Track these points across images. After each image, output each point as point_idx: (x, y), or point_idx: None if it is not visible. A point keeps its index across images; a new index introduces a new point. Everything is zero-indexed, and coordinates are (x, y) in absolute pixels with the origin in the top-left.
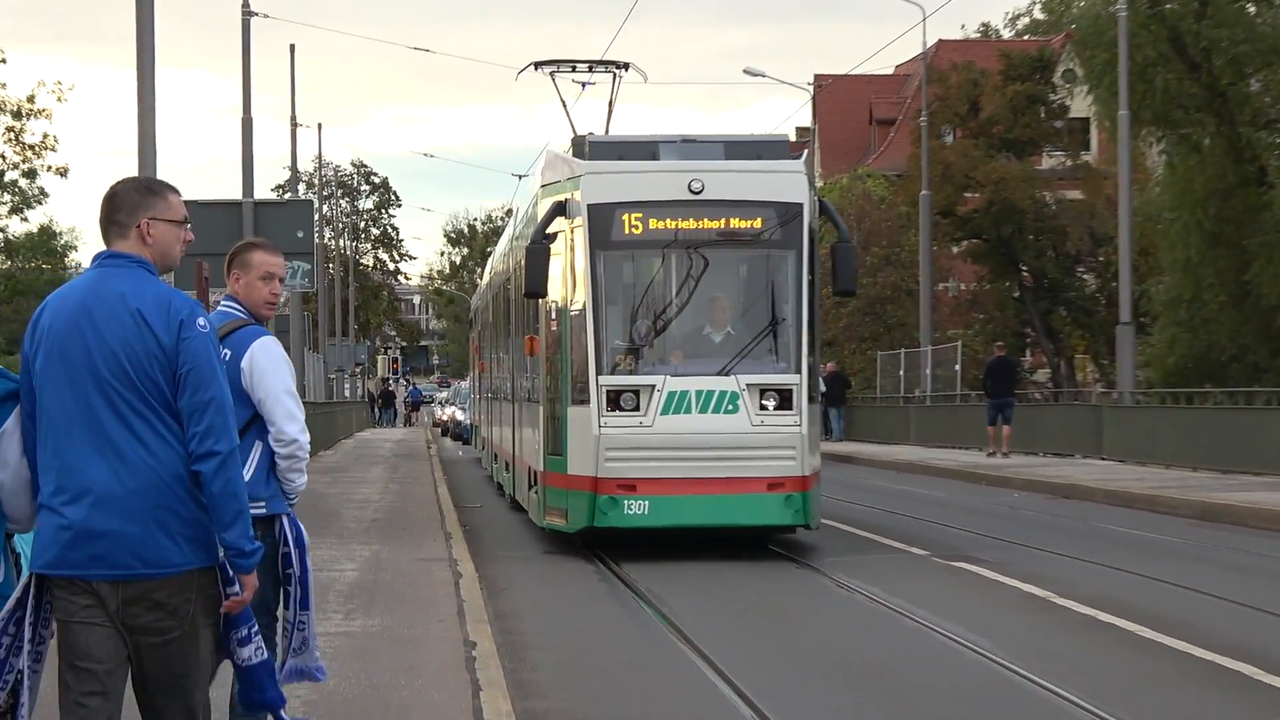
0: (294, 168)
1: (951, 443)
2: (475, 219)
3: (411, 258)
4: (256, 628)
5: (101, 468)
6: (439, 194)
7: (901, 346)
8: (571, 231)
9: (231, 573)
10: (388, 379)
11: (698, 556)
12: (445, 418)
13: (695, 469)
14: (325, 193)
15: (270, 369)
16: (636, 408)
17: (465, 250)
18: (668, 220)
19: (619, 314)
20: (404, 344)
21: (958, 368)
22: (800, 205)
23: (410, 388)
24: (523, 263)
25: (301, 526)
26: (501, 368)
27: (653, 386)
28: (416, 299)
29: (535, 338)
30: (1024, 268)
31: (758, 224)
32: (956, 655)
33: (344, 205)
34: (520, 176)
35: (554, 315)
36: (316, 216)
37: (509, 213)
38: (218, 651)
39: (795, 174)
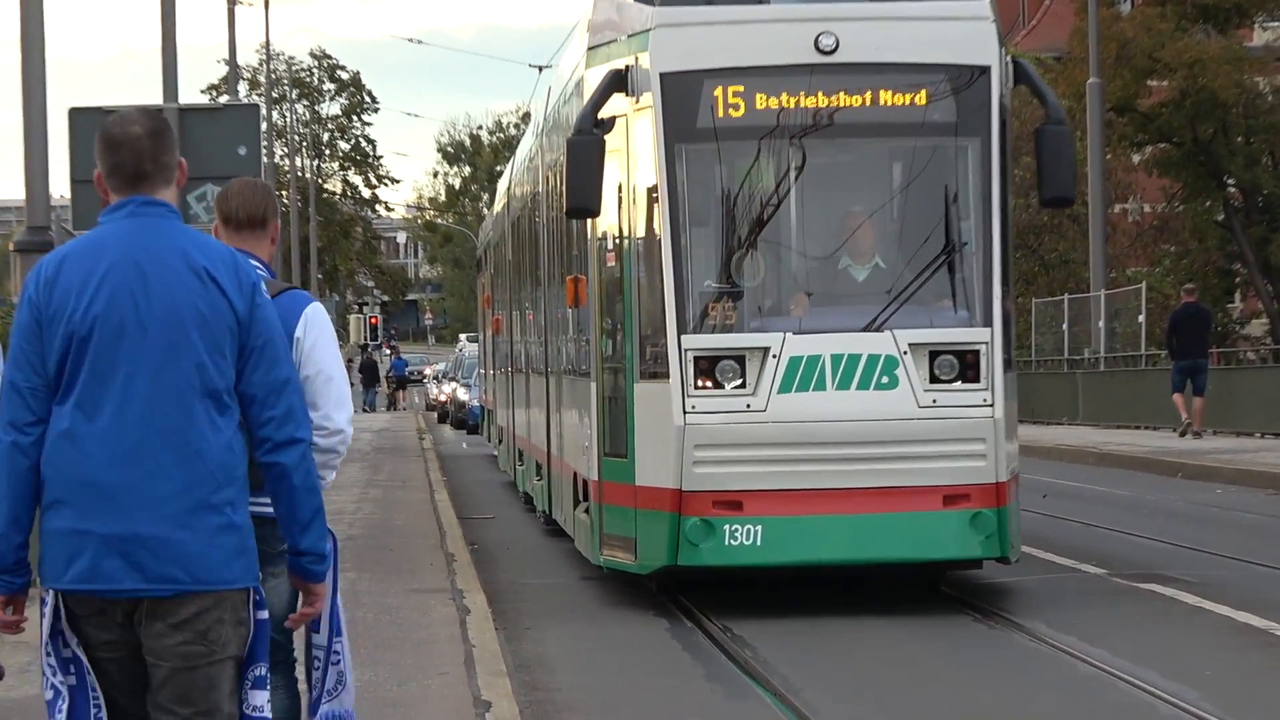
0: (232, 61)
1: (1134, 420)
2: (479, 127)
3: (393, 181)
4: (266, 670)
5: (148, 461)
6: (430, 94)
7: (1064, 291)
8: (636, 116)
9: (258, 598)
10: (367, 346)
11: (801, 587)
12: (443, 398)
13: (832, 475)
14: (275, 94)
15: (327, 342)
16: (741, 383)
17: (467, 170)
18: (784, 95)
19: (711, 240)
20: (385, 298)
21: (1142, 319)
22: (987, 70)
23: (393, 358)
24: (562, 166)
25: (332, 530)
26: (527, 326)
27: (765, 350)
28: (401, 237)
29: (581, 279)
30: (1230, 181)
31: (921, 99)
32: (1150, 712)
33: (301, 111)
34: (541, 68)
35: (610, 245)
36: (264, 126)
37: (526, 118)
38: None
39: (978, 22)
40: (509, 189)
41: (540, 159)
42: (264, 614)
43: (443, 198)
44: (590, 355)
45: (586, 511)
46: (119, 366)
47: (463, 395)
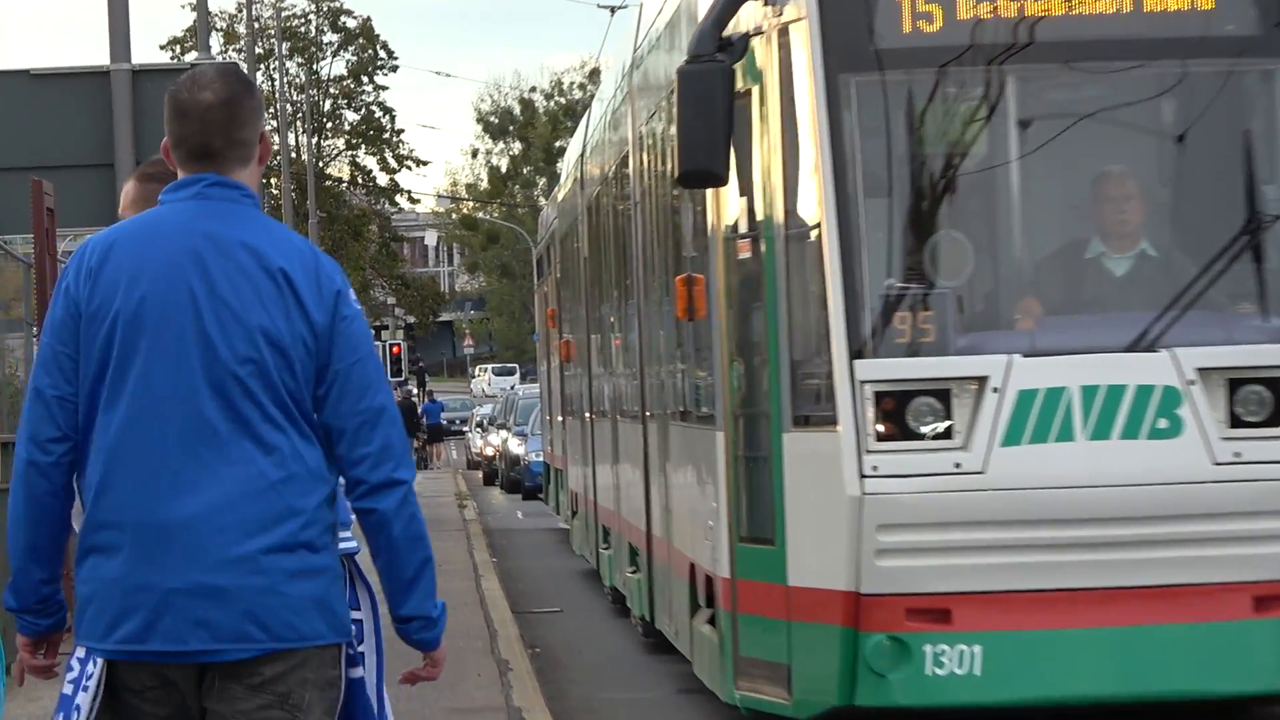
0: (201, 6)
1: None
2: (532, 90)
3: (419, 163)
4: None
5: (214, 493)
6: (466, 48)
7: None
8: (780, 35)
9: (351, 654)
10: (408, 385)
11: None
12: (490, 451)
13: (1086, 569)
14: (259, 49)
15: None
16: (946, 430)
17: (516, 147)
18: (997, 4)
19: (895, 218)
20: (410, 319)
21: None
22: None
23: (424, 401)
24: (667, 113)
25: (368, 582)
26: (613, 350)
27: (981, 381)
28: (431, 238)
29: (698, 280)
30: None
31: (1209, 1)
32: None
33: (294, 71)
34: (613, 9)
35: (743, 229)
36: None
37: (594, 76)
38: None
39: None
40: (581, 163)
41: (630, 113)
42: (358, 672)
43: (485, 184)
44: (714, 392)
45: (711, 622)
46: (174, 379)
47: (517, 448)
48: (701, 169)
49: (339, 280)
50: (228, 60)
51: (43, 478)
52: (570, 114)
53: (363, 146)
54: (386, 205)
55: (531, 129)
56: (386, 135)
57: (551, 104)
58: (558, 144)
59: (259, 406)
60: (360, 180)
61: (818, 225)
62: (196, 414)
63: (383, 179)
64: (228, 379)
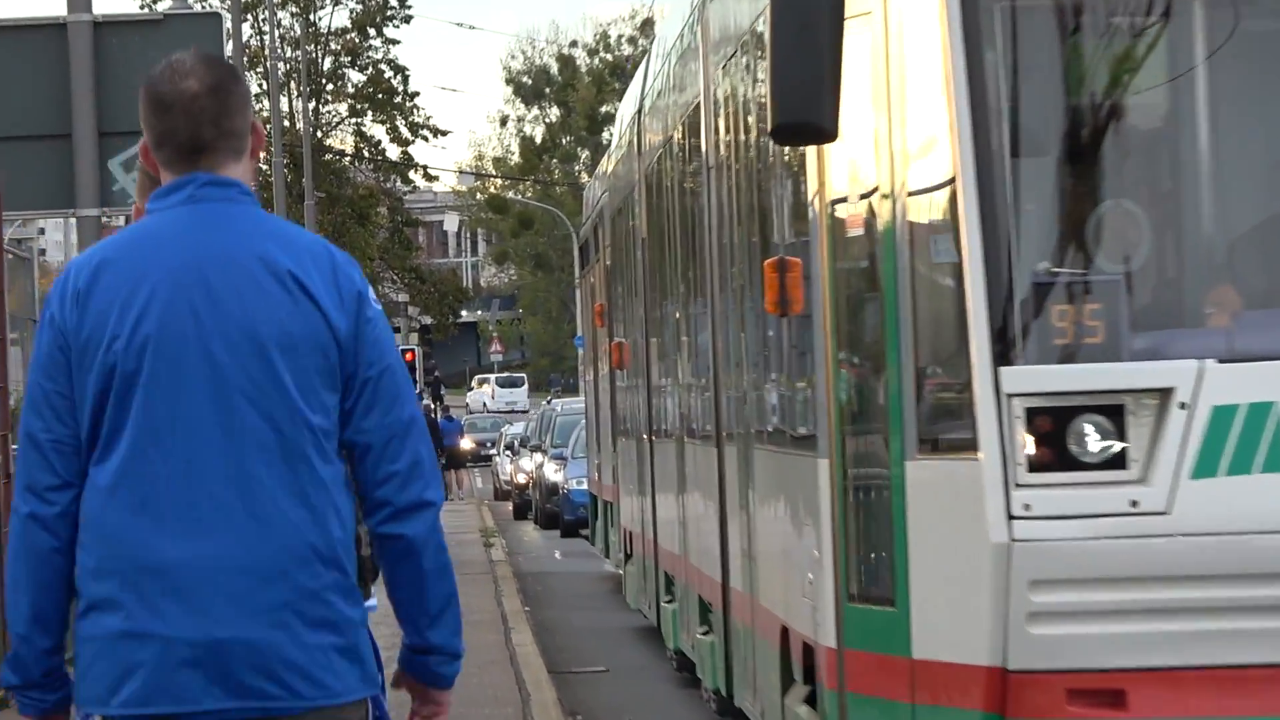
0: None
1: None
2: (572, 44)
3: (438, 133)
4: None
5: (226, 537)
6: None
7: None
8: None
9: (379, 714)
10: (423, 399)
11: None
12: (521, 478)
13: None
14: None
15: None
16: (1117, 457)
17: (554, 113)
18: None
19: (1049, 185)
20: (426, 319)
21: None
22: None
23: (441, 418)
24: (756, 49)
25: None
26: (679, 354)
27: (1165, 394)
28: (451, 222)
29: (793, 265)
30: None
31: None
32: None
33: (288, 23)
34: None
35: (854, 200)
36: (229, 47)
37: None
38: None
39: None
40: (637, 124)
41: (702, 56)
42: None
43: (516, 158)
44: (815, 407)
45: (810, 702)
46: (180, 410)
47: (554, 475)
48: (801, 121)
49: (358, 279)
50: (206, 8)
51: (46, 532)
52: (618, 73)
53: (369, 113)
54: (398, 183)
55: (572, 91)
56: (398, 99)
57: (596, 61)
58: (603, 109)
59: (278, 433)
60: (367, 153)
61: (952, 192)
62: (206, 446)
63: (394, 152)
64: (241, 405)
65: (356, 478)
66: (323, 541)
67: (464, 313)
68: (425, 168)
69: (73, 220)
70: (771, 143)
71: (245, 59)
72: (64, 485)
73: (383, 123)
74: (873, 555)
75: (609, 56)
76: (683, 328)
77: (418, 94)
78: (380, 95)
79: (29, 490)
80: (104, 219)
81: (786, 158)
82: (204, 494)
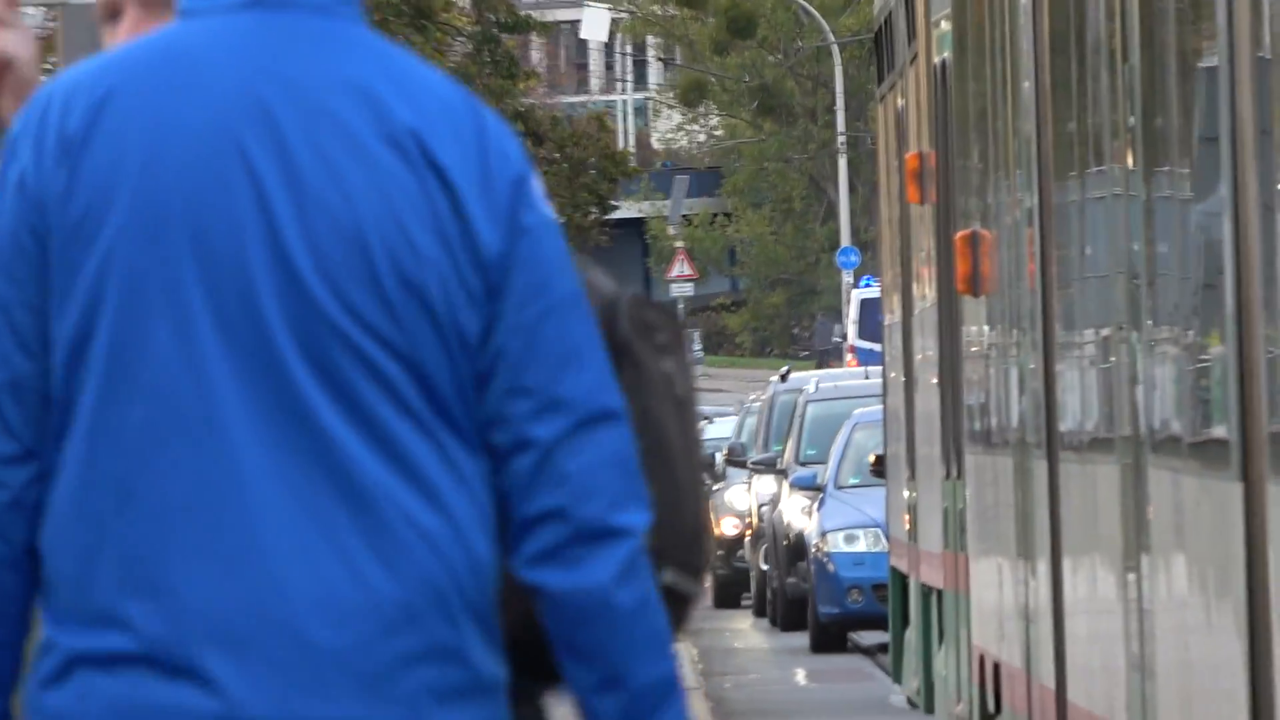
0: None
1: None
2: None
3: None
4: None
5: (312, 559)
6: None
7: None
8: None
9: None
10: None
11: None
12: (730, 526)
13: None
14: None
15: None
16: None
17: None
18: None
19: None
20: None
21: None
22: None
23: None
24: None
25: None
26: (1132, 275)
27: None
28: (594, 25)
29: None
30: None
31: None
32: None
33: None
34: None
35: None
36: None
37: None
38: None
39: None
40: None
41: None
42: None
43: None
44: None
45: None
46: (239, 343)
47: (797, 518)
48: None
49: (516, 157)
50: None
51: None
52: None
53: None
54: None
55: None
56: None
57: None
58: None
59: (393, 393)
60: None
61: None
62: (278, 406)
63: None
64: (333, 343)
65: (498, 479)
66: (462, 568)
67: (623, 200)
68: None
69: None
70: None
71: None
72: (24, 456)
73: None
74: None
75: None
76: (1143, 219)
77: None
78: None
79: None
80: None
81: None
82: (275, 486)
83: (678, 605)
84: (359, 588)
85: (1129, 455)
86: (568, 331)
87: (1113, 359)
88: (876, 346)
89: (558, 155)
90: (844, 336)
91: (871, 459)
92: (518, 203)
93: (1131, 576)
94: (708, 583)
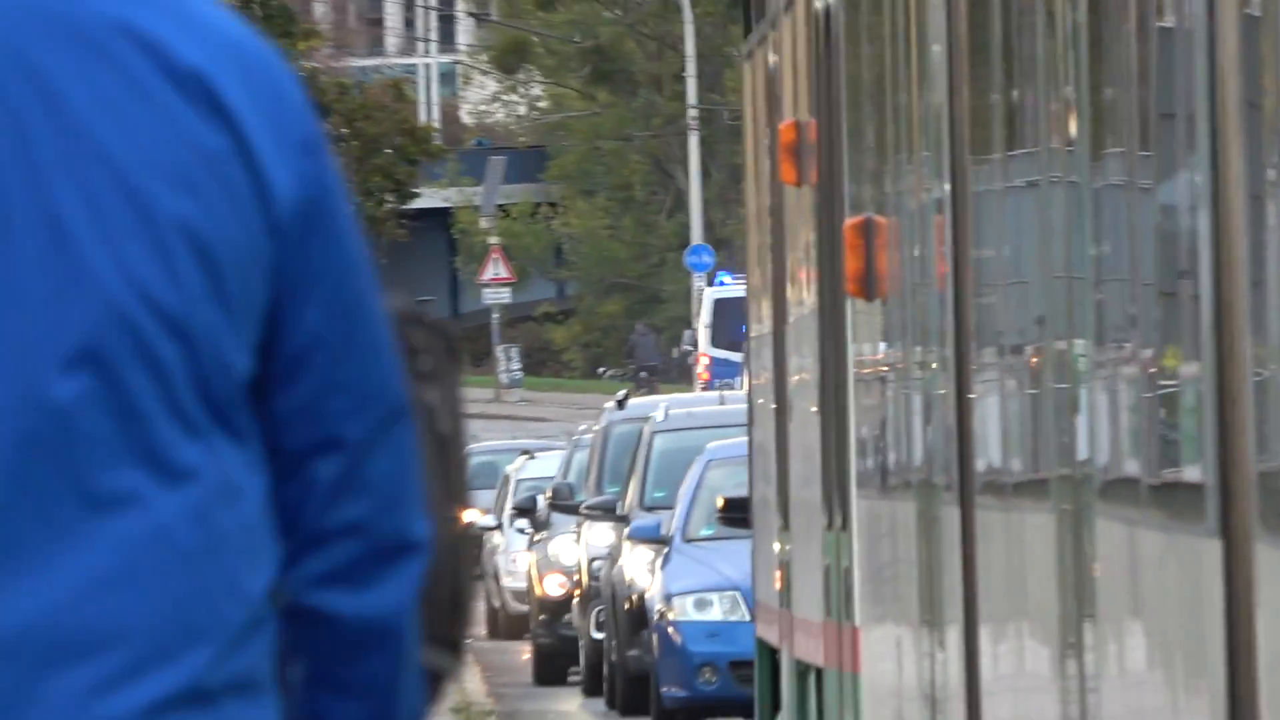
0: None
1: None
2: None
3: None
4: None
5: (60, 583)
6: None
7: None
8: None
9: None
10: None
11: None
12: (555, 584)
13: None
14: None
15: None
16: None
17: None
18: None
19: None
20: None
21: None
22: None
23: None
24: None
25: None
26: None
27: None
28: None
29: None
30: None
31: None
32: None
33: None
34: None
35: None
36: None
37: None
38: None
39: None
40: None
41: None
42: None
43: None
44: None
45: None
46: None
47: (638, 573)
48: None
49: (310, 115)
50: None
51: None
52: None
53: None
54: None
55: None
56: None
57: None
58: None
59: (166, 387)
60: None
61: None
62: (33, 407)
63: None
64: (109, 328)
65: (278, 486)
66: (229, 594)
67: (422, 189)
68: None
69: None
70: None
71: None
72: None
73: None
74: None
75: None
76: (1089, 210)
77: None
78: None
79: None
80: None
81: None
82: (21, 500)
83: (431, 683)
84: (99, 620)
85: (1067, 500)
86: (374, 314)
87: (1046, 381)
88: (735, 356)
89: (346, 130)
90: (694, 344)
91: (719, 502)
92: (313, 157)
93: (1070, 651)
94: (526, 654)
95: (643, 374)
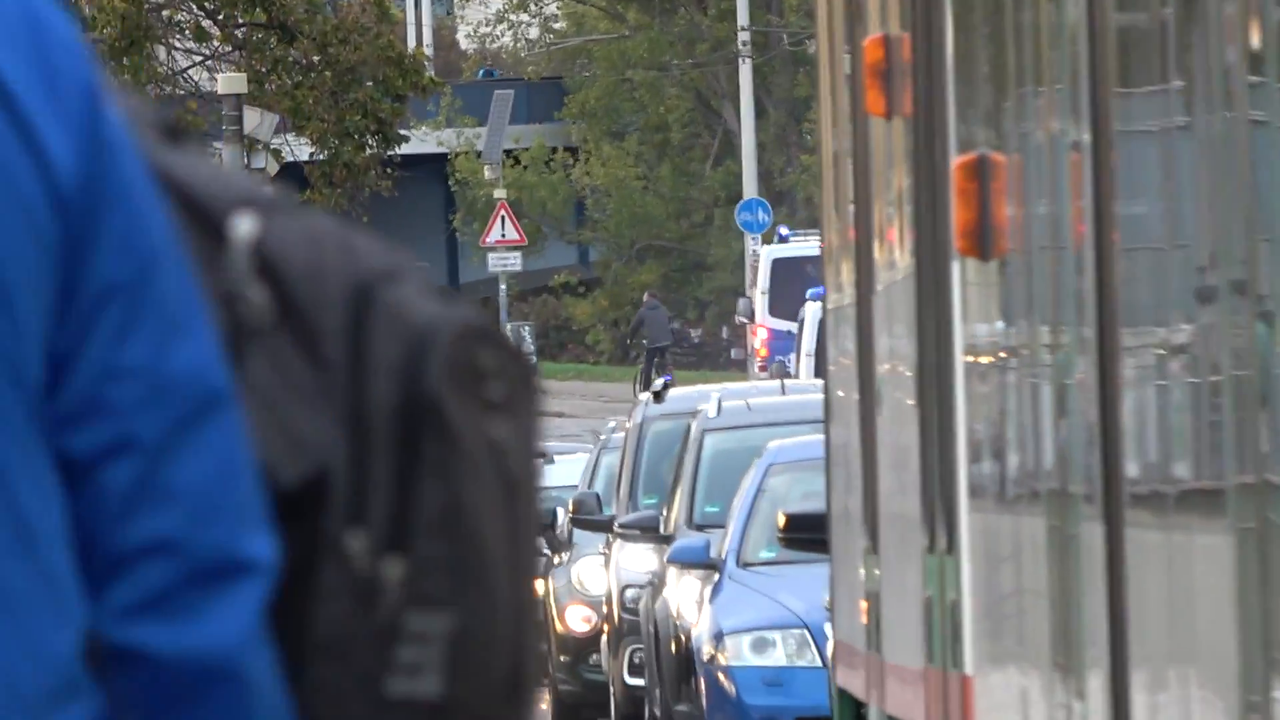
0: None
1: None
2: None
3: None
4: None
5: None
6: None
7: None
8: None
9: None
10: None
11: None
12: (579, 620)
13: None
14: None
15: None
16: None
17: None
18: None
19: None
20: (312, 150)
21: None
22: None
23: None
24: None
25: None
26: None
27: None
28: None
29: None
30: None
31: None
32: None
33: None
34: None
35: None
36: None
37: None
38: None
39: None
40: None
41: None
42: None
43: None
44: None
45: None
46: None
47: (685, 608)
48: None
49: (88, 63)
50: None
51: None
52: None
53: None
54: None
55: None
56: None
57: None
58: None
59: None
60: None
61: None
62: None
63: None
64: None
65: (75, 504)
66: (24, 657)
67: (412, 130)
68: None
69: None
70: None
71: None
72: None
73: None
74: None
75: None
76: None
77: None
78: None
79: None
80: None
81: None
82: None
83: None
84: None
85: (1248, 515)
86: (170, 288)
87: (1216, 366)
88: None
89: (317, 58)
90: (750, 315)
91: (781, 520)
92: (95, 113)
93: (1254, 709)
94: (544, 703)
95: (656, 359)
